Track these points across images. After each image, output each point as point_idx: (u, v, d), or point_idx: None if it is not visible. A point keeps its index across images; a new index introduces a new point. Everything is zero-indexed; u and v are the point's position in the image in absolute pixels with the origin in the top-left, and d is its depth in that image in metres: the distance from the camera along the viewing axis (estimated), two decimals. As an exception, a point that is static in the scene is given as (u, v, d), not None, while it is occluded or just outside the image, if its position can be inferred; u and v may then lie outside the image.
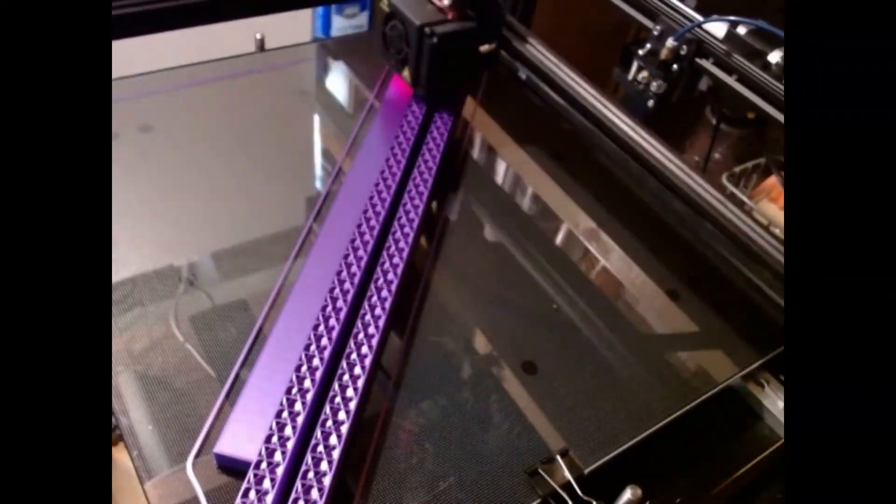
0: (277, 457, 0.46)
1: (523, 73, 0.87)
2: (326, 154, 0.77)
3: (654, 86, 0.80)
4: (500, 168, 0.79)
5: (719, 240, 0.72)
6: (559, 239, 0.72)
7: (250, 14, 0.87)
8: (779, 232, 0.80)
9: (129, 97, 0.76)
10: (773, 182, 0.86)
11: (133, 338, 0.55)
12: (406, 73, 0.75)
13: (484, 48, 0.77)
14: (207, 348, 0.55)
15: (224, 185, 0.69)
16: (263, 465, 0.46)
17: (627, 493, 0.48)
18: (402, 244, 0.62)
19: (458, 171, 0.76)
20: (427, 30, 0.69)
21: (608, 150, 0.80)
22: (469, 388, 0.56)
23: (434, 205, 0.70)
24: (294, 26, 1.57)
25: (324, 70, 0.89)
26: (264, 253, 0.64)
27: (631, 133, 0.78)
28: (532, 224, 0.73)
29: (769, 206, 0.84)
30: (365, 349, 0.53)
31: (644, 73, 0.81)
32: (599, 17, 1.24)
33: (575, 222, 0.72)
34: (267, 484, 0.45)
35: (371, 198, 0.65)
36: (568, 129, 0.84)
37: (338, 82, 0.88)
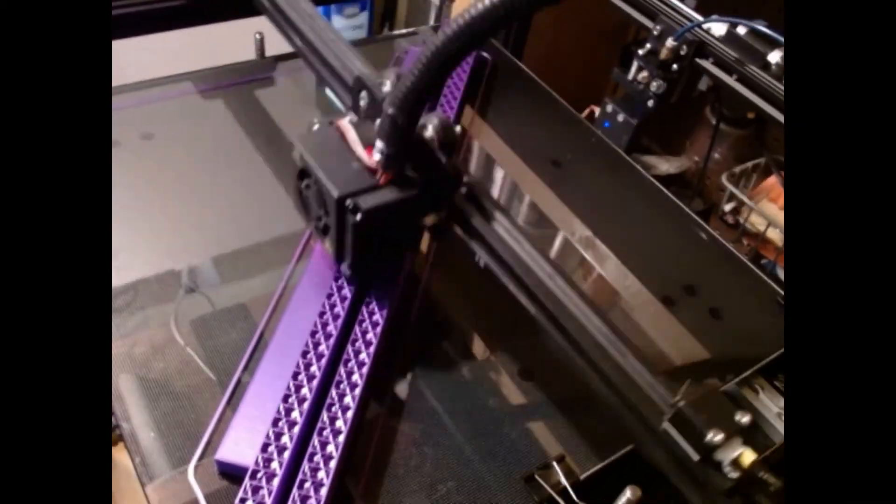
0: (274, 466, 0.46)
1: (481, 260, 0.62)
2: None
3: (653, 86, 0.80)
4: (497, 175, 0.79)
5: (713, 247, 0.72)
6: (555, 246, 0.72)
7: (250, 14, 0.87)
8: (779, 232, 0.80)
9: (131, 105, 0.76)
10: (773, 182, 0.86)
11: (135, 343, 0.55)
12: (327, 244, 0.56)
13: (428, 220, 0.57)
14: (209, 353, 0.55)
15: (225, 192, 0.70)
16: (260, 474, 0.45)
17: (627, 494, 0.48)
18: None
19: (457, 176, 0.75)
20: (349, 202, 0.50)
21: (603, 161, 0.80)
22: (467, 392, 0.56)
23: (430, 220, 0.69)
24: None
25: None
26: (265, 258, 0.64)
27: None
28: (528, 231, 0.73)
29: (769, 206, 0.84)
30: (363, 356, 0.53)
31: (644, 73, 0.81)
32: (599, 17, 1.24)
33: (571, 230, 0.72)
34: (263, 493, 0.45)
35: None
36: (566, 136, 0.84)
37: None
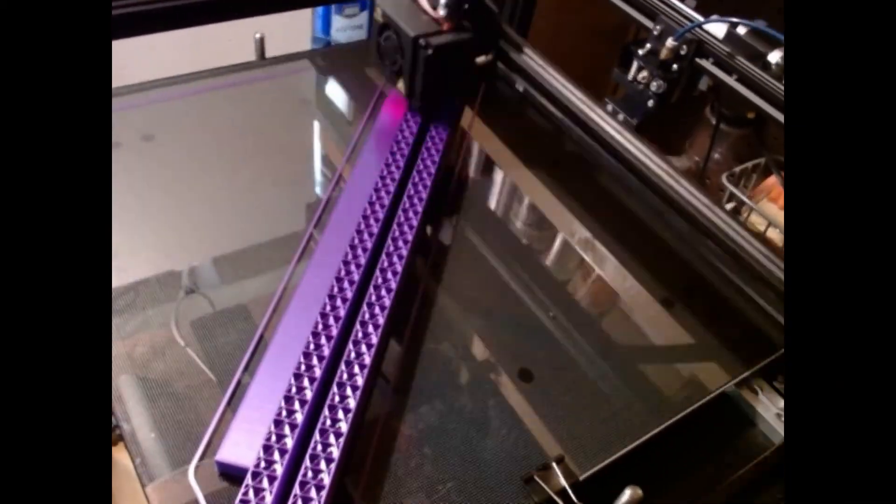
0: (275, 466, 0.46)
1: (520, 86, 0.86)
2: (326, 161, 0.77)
3: (653, 86, 0.80)
4: (497, 178, 0.79)
5: (713, 249, 0.72)
6: (555, 248, 0.72)
7: (250, 14, 0.87)
8: (779, 232, 0.80)
9: (131, 106, 0.76)
10: (773, 182, 0.86)
11: (135, 344, 0.55)
12: (401, 84, 0.73)
13: (480, 59, 0.75)
14: (209, 354, 0.55)
15: (225, 193, 0.70)
16: (260, 474, 0.46)
17: (627, 494, 0.48)
18: (401, 248, 0.62)
19: (456, 179, 0.76)
20: (422, 41, 0.67)
21: (604, 162, 0.80)
22: (466, 394, 0.56)
23: (429, 229, 0.69)
24: (294, 26, 1.57)
25: (324, 78, 0.89)
26: (265, 259, 0.64)
27: (626, 144, 0.78)
28: (529, 233, 0.73)
29: (769, 206, 0.84)
30: (364, 353, 0.53)
31: (644, 73, 0.81)
32: (599, 17, 1.24)
33: (571, 232, 0.72)
34: (264, 493, 0.45)
35: (371, 203, 0.66)
36: (564, 140, 0.84)
37: (338, 90, 0.88)
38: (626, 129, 0.79)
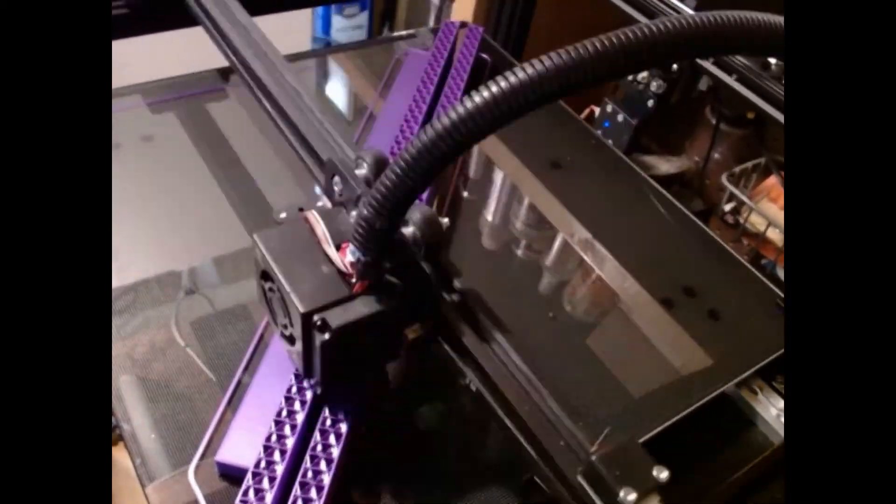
0: (277, 457, 0.46)
1: (473, 384, 0.48)
2: (326, 161, 0.77)
3: (653, 86, 0.80)
4: (496, 178, 0.79)
5: (712, 248, 0.72)
6: (555, 248, 0.72)
7: (250, 14, 0.87)
8: (779, 232, 0.80)
9: (131, 107, 0.76)
10: (773, 182, 0.86)
11: (135, 344, 0.55)
12: (296, 356, 0.48)
13: (411, 333, 0.49)
14: (209, 354, 0.55)
15: (225, 193, 0.70)
16: (263, 465, 0.46)
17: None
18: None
19: (455, 180, 0.76)
20: (317, 319, 0.43)
21: (603, 163, 0.80)
22: (466, 394, 0.56)
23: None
24: (294, 26, 1.57)
25: (324, 79, 0.89)
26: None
27: None
28: (528, 234, 0.73)
29: (769, 206, 0.84)
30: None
31: (644, 73, 0.81)
32: (599, 17, 1.24)
33: (570, 232, 0.72)
34: (266, 484, 0.45)
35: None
36: (565, 138, 0.84)
37: (338, 91, 0.88)
38: None
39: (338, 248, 0.45)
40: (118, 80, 0.67)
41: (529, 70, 0.33)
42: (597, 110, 0.92)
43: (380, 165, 0.46)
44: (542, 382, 0.46)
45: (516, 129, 0.84)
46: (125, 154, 0.71)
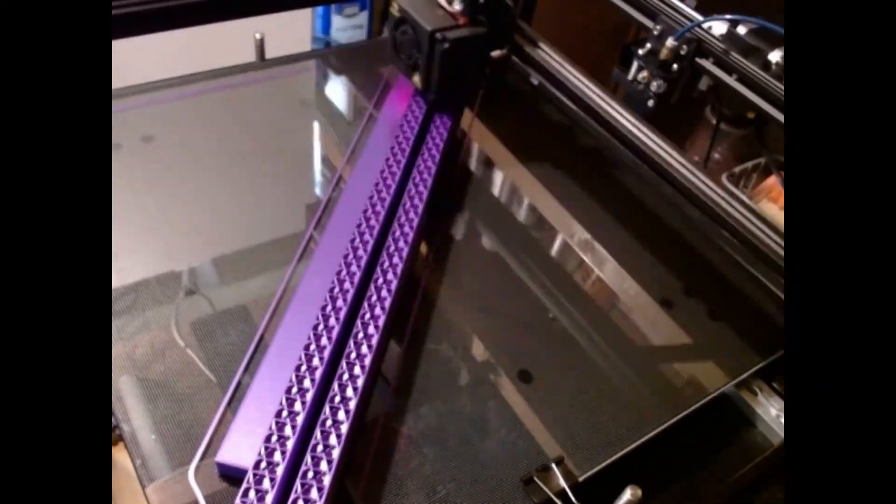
0: (277, 457, 0.46)
1: (535, 79, 0.86)
2: (326, 162, 0.77)
3: (654, 85, 0.80)
4: (497, 179, 0.79)
5: (712, 248, 0.72)
6: (555, 249, 0.72)
7: (250, 14, 0.87)
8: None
9: (131, 107, 0.76)
10: (773, 182, 0.86)
11: (135, 345, 0.55)
12: (416, 77, 0.74)
13: (495, 53, 0.76)
14: (209, 355, 0.55)
15: (225, 194, 0.70)
16: (263, 465, 0.46)
17: (627, 494, 0.48)
18: (401, 244, 0.62)
19: (456, 181, 0.76)
20: (439, 35, 0.68)
21: (619, 155, 0.80)
22: (466, 395, 0.56)
23: (429, 224, 0.69)
24: (294, 26, 1.57)
25: (324, 79, 0.89)
26: (265, 260, 0.64)
27: (640, 134, 0.78)
28: (528, 235, 0.73)
29: (769, 206, 0.84)
30: (364, 349, 0.53)
31: (644, 73, 0.81)
32: (599, 17, 1.24)
33: (570, 233, 0.72)
34: (266, 484, 0.45)
35: (371, 198, 0.66)
36: (569, 140, 0.84)
37: (338, 91, 0.88)
38: (639, 120, 0.79)
39: (448, 2, 0.72)
40: (118, 80, 0.67)
41: None
42: (597, 110, 0.92)
43: None
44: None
45: (516, 129, 0.84)
46: (125, 155, 0.71)
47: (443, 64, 0.70)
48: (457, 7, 0.70)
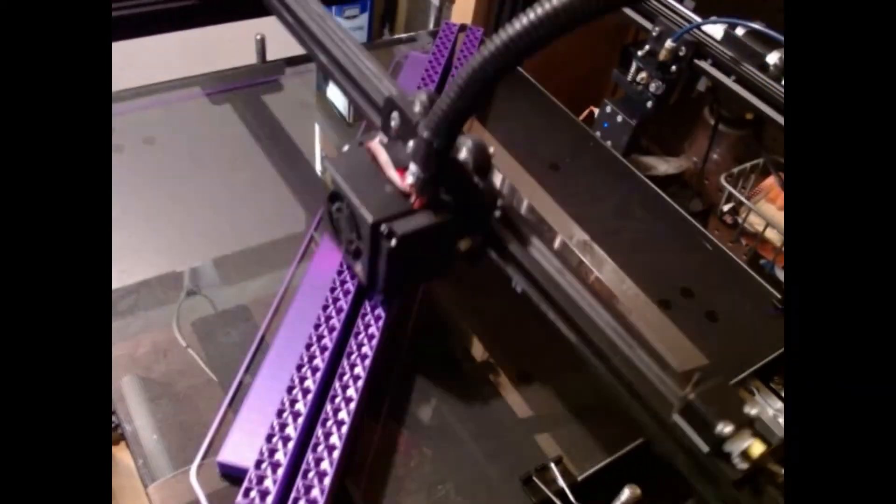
0: (278, 456, 0.46)
1: (519, 285, 0.54)
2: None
3: (652, 87, 0.81)
4: (496, 180, 0.80)
5: (710, 250, 0.72)
6: (553, 250, 0.72)
7: (250, 16, 0.87)
8: (777, 232, 0.80)
9: (133, 110, 0.76)
10: (772, 183, 0.86)
11: (137, 345, 0.55)
12: (358, 268, 0.55)
13: (463, 245, 0.54)
14: (210, 355, 0.55)
15: (226, 195, 0.70)
16: (264, 464, 0.46)
17: (626, 493, 0.48)
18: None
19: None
20: (384, 228, 0.49)
21: (601, 165, 0.80)
22: (466, 394, 0.56)
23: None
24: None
25: (324, 81, 0.89)
26: (266, 260, 0.64)
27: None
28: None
29: (768, 206, 0.84)
30: (365, 346, 0.53)
31: (643, 74, 0.81)
32: (599, 19, 1.24)
33: (569, 234, 0.72)
34: (268, 483, 0.45)
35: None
36: (564, 140, 0.84)
37: (338, 93, 0.88)
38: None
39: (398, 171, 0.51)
40: (119, 81, 0.67)
41: None
42: (596, 111, 0.92)
43: (432, 100, 0.51)
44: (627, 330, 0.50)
45: (515, 129, 0.84)
46: (126, 156, 0.71)
47: (390, 262, 0.51)
48: (409, 182, 0.50)
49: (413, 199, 0.50)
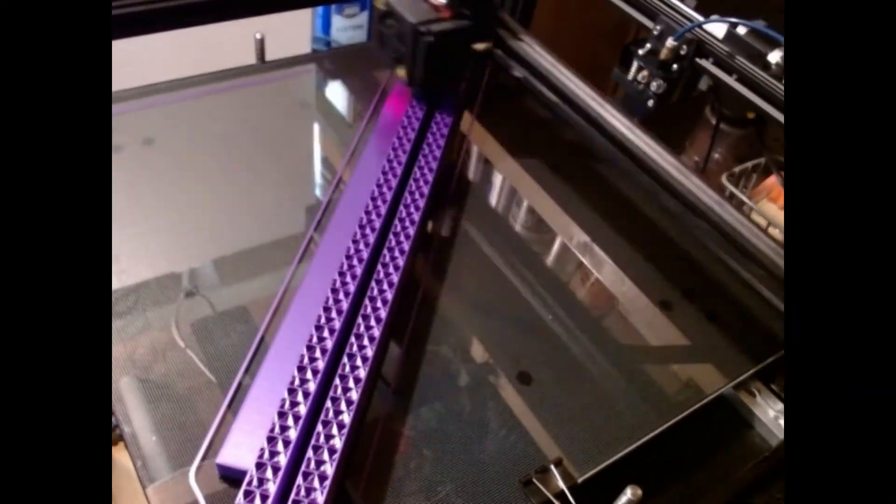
0: (278, 458, 0.46)
1: (519, 73, 0.86)
2: (326, 163, 0.77)
3: (653, 86, 0.80)
4: (496, 181, 0.79)
5: (711, 250, 0.72)
6: (553, 251, 0.72)
7: (250, 14, 0.87)
8: (779, 232, 0.80)
9: (132, 110, 0.76)
10: (773, 182, 0.86)
11: (136, 346, 0.55)
12: (401, 70, 0.75)
13: (479, 46, 0.77)
14: (209, 356, 0.55)
15: (225, 195, 0.70)
16: (263, 466, 0.46)
17: (627, 493, 0.48)
18: (402, 243, 0.62)
19: (455, 183, 0.76)
20: (423, 28, 0.70)
21: (606, 154, 0.80)
22: (466, 396, 0.56)
23: (430, 225, 0.69)
24: (294, 26, 1.57)
25: (324, 81, 0.89)
26: (266, 261, 0.64)
27: (625, 131, 0.77)
28: (527, 237, 0.73)
29: (769, 206, 0.84)
30: (366, 343, 0.53)
31: (644, 73, 0.81)
32: (599, 17, 1.24)
33: (569, 235, 0.72)
34: (268, 484, 0.45)
35: (373, 198, 0.66)
36: (563, 139, 0.84)
37: (338, 93, 0.88)
38: (627, 118, 0.78)
39: None
40: (119, 81, 0.67)
41: None
42: (597, 110, 0.92)
43: None
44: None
45: (515, 130, 0.84)
46: (126, 157, 0.71)
47: (427, 57, 0.71)
48: (441, 0, 0.72)
49: (443, 13, 0.72)
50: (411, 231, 0.63)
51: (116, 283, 0.59)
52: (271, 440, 0.47)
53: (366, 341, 0.53)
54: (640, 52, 0.80)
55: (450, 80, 0.79)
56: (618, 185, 0.79)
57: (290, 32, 1.53)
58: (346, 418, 0.48)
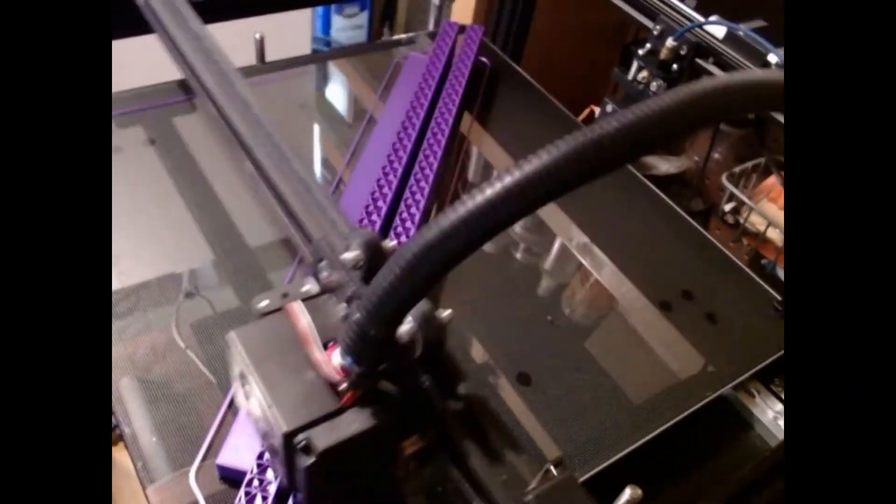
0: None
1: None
2: (326, 164, 0.77)
3: (653, 86, 0.80)
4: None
5: (711, 251, 0.72)
6: (553, 252, 0.72)
7: (250, 14, 0.87)
8: (779, 232, 0.80)
9: (133, 111, 0.76)
10: (773, 182, 0.86)
11: (136, 346, 0.55)
12: (277, 463, 0.43)
13: (409, 447, 0.42)
14: (209, 356, 0.55)
15: (225, 196, 0.70)
16: (264, 467, 0.46)
17: (627, 493, 0.48)
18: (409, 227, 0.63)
19: (455, 182, 0.76)
20: (300, 439, 0.36)
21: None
22: (465, 396, 0.56)
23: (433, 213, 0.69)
24: (294, 26, 1.57)
25: (324, 81, 0.89)
26: (265, 262, 0.64)
27: None
28: (527, 238, 0.73)
29: (769, 206, 0.84)
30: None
31: (644, 73, 0.81)
32: (599, 17, 1.24)
33: (569, 236, 0.72)
34: (267, 487, 0.45)
35: (373, 195, 0.66)
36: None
37: (338, 93, 0.88)
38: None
39: (325, 345, 0.39)
40: (119, 82, 0.67)
41: (545, 158, 0.31)
42: (597, 110, 0.92)
43: (370, 249, 0.42)
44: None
45: (514, 131, 0.84)
46: (126, 158, 0.71)
47: (310, 482, 0.37)
48: (336, 363, 0.37)
49: (343, 394, 0.38)
50: (417, 212, 0.64)
51: (117, 284, 0.59)
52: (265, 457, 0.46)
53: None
54: (640, 52, 0.80)
55: (370, 486, 0.44)
56: (618, 185, 0.79)
57: (290, 32, 1.53)
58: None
